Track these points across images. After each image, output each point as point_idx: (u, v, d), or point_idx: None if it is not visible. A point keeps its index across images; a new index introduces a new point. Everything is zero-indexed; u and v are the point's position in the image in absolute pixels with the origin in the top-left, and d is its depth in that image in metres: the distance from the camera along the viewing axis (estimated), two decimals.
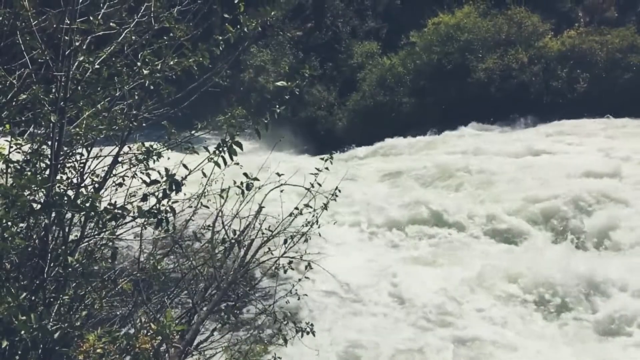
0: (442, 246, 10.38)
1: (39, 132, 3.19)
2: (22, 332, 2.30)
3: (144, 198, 3.00)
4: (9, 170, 2.84)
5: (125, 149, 3.30)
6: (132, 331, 2.98)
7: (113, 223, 2.93)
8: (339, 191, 4.50)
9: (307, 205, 4.27)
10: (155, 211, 2.88)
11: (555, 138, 16.01)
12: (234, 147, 3.09)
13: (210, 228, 4.10)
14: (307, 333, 4.22)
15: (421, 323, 7.69)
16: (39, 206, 2.60)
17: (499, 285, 8.44)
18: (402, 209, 11.68)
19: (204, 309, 3.63)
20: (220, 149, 3.09)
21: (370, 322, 7.83)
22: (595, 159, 13.17)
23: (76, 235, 3.06)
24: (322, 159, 4.36)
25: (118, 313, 3.61)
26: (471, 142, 16.44)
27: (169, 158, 3.25)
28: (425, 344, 7.14)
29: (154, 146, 3.21)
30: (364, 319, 7.91)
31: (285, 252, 4.19)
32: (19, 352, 2.53)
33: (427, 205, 11.56)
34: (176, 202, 3.02)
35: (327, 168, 4.24)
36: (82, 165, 3.32)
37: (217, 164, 3.11)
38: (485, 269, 8.80)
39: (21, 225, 2.81)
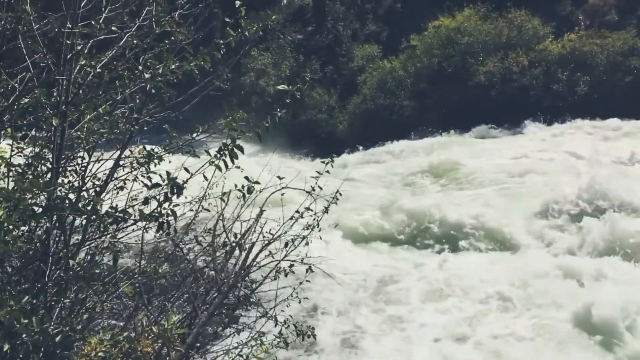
0: None
1: (41, 135, 3.19)
2: (24, 335, 2.30)
3: (146, 201, 3.01)
4: (11, 173, 2.84)
5: (127, 152, 3.31)
6: (133, 334, 2.98)
7: (114, 226, 2.93)
8: (340, 194, 4.50)
9: (307, 209, 4.27)
10: (157, 214, 2.89)
11: None
12: (235, 150, 3.09)
13: (211, 231, 4.11)
14: (309, 336, 4.22)
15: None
16: (41, 209, 2.60)
17: None
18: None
19: (205, 312, 3.63)
20: (222, 153, 3.09)
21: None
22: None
23: (77, 239, 3.07)
24: (323, 162, 4.36)
25: (119, 316, 3.61)
26: None
27: (170, 161, 3.26)
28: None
29: (155, 150, 3.22)
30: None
31: (286, 256, 4.18)
32: (21, 356, 2.53)
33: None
34: (177, 205, 3.02)
35: (327, 171, 4.24)
36: (83, 168, 3.33)
37: (218, 167, 3.12)
38: None
39: (23, 228, 2.82)
